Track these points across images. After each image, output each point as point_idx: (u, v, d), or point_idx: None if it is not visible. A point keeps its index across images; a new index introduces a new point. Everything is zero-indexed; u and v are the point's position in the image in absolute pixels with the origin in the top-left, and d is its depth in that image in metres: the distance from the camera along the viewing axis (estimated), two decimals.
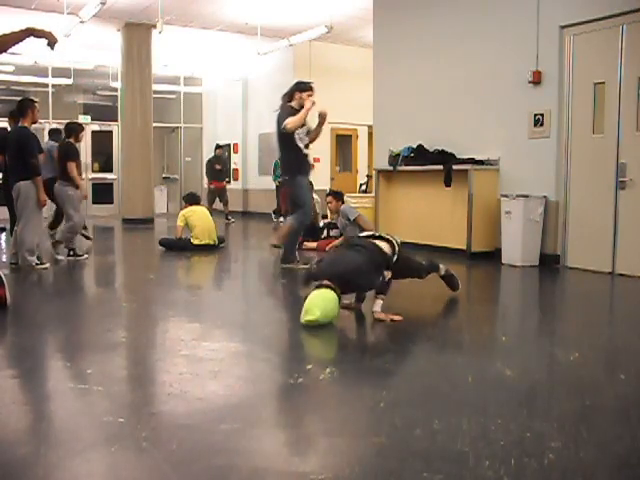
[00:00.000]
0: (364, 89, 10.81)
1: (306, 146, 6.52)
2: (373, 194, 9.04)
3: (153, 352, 3.77)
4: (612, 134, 6.28)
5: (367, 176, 13.59)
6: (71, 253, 7.40)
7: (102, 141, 16.08)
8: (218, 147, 13.86)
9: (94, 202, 15.93)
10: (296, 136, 6.39)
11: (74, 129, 7.51)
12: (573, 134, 6.64)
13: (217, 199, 13.44)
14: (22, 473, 2.14)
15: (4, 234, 10.13)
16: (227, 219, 13.39)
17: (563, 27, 6.69)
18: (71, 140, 7.43)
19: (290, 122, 6.31)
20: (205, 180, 14.55)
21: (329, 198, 8.13)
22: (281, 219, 11.85)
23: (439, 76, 8.28)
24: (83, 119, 15.81)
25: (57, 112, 15.34)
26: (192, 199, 8.76)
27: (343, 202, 8.13)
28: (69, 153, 7.32)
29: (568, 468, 2.15)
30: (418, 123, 8.50)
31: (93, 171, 16.03)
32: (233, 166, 16.26)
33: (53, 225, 8.94)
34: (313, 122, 6.66)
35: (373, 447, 2.32)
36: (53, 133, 9.52)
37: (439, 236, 7.83)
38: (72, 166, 7.22)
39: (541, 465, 2.15)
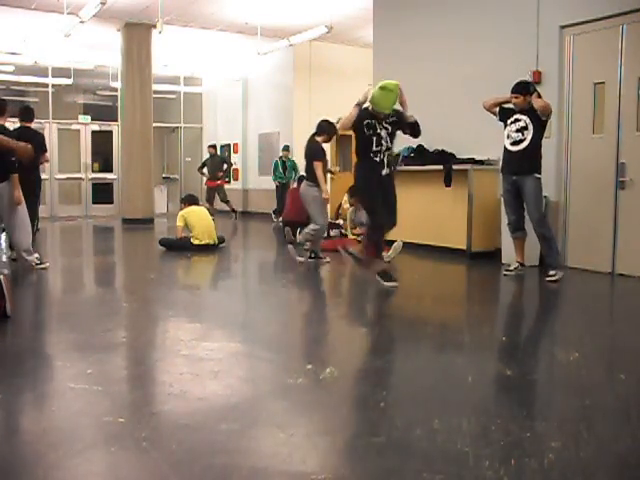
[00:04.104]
0: (364, 89, 10.79)
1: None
2: None
3: (153, 352, 3.77)
4: (612, 134, 6.28)
5: None
6: (312, 255, 7.13)
7: (102, 141, 16.08)
8: (211, 146, 14.05)
9: (94, 202, 15.96)
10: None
11: (325, 129, 7.03)
12: (573, 134, 6.64)
13: (217, 198, 13.55)
14: (22, 473, 2.14)
15: (4, 234, 10.12)
16: (233, 211, 13.81)
17: (563, 27, 6.69)
18: (319, 139, 7.02)
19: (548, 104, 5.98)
20: (205, 180, 14.56)
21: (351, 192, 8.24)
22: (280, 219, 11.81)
23: (439, 76, 8.28)
24: (83, 119, 15.84)
25: (57, 112, 15.35)
26: (190, 199, 8.78)
27: None
28: (315, 152, 6.94)
29: (568, 468, 2.15)
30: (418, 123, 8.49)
31: (93, 171, 16.04)
32: (233, 166, 16.29)
33: None
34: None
35: (373, 447, 2.32)
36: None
37: (439, 236, 7.83)
38: (318, 166, 6.86)
39: (541, 465, 2.15)
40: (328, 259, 7.13)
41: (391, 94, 5.47)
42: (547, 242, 6.02)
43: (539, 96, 6.05)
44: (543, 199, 6.19)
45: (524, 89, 6.06)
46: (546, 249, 6.07)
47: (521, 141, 6.02)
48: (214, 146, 14.28)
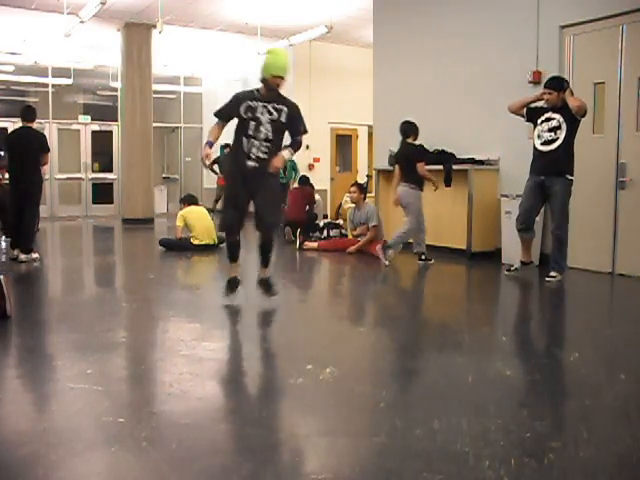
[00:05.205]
0: (364, 89, 10.81)
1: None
2: (373, 194, 9.04)
3: (153, 352, 3.77)
4: (612, 134, 6.28)
5: (367, 176, 13.59)
6: (423, 257, 7.09)
7: (102, 141, 16.06)
8: (227, 146, 13.95)
9: (94, 202, 15.95)
10: None
11: (412, 129, 7.21)
12: None
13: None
14: (22, 473, 2.14)
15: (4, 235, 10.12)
16: None
17: (563, 27, 6.69)
18: (410, 140, 7.14)
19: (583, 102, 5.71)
20: (205, 180, 14.54)
21: (353, 188, 8.30)
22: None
23: (439, 76, 8.28)
24: (83, 119, 15.83)
25: (57, 112, 15.34)
26: (189, 199, 8.79)
27: (365, 197, 8.14)
28: (418, 154, 7.03)
29: (568, 468, 2.15)
30: (418, 123, 8.49)
31: (93, 171, 16.02)
32: None
33: None
34: None
35: (373, 447, 2.32)
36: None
37: (439, 236, 7.82)
38: (422, 166, 6.96)
39: (541, 465, 2.15)
40: (432, 261, 7.08)
41: (280, 56, 4.76)
42: (561, 245, 5.88)
43: (572, 93, 5.84)
44: (570, 202, 5.93)
45: (558, 85, 5.80)
46: (557, 251, 5.90)
47: (553, 141, 5.78)
48: (230, 146, 14.17)
